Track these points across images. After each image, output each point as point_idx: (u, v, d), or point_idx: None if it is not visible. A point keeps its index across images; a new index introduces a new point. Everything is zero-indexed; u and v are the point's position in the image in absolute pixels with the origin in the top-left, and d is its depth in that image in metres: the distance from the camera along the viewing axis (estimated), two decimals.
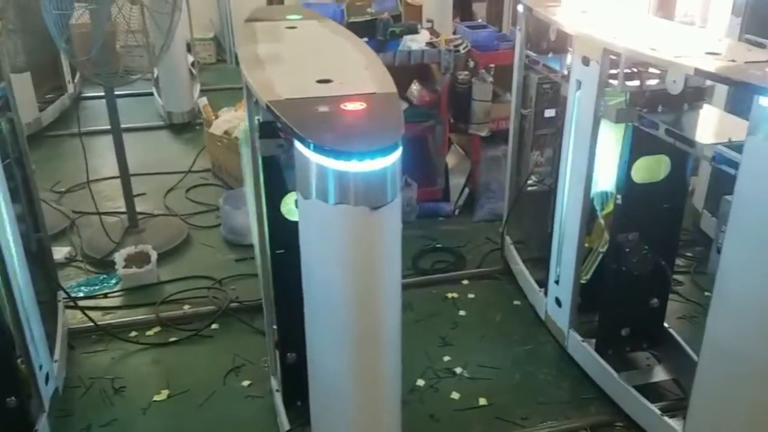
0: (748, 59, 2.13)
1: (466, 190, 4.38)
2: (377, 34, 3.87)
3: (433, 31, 4.35)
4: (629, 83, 2.46)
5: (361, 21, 3.87)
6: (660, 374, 2.87)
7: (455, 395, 2.87)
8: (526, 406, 2.81)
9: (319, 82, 1.90)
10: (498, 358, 3.09)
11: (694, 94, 2.47)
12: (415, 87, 4.27)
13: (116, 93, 3.74)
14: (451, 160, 4.54)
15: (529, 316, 3.36)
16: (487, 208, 4.26)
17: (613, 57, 2.47)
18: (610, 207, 2.74)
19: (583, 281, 2.92)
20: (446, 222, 4.31)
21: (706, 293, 3.54)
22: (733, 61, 2.13)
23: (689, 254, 3.88)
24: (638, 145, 2.53)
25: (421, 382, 2.94)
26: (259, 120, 2.15)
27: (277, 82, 1.93)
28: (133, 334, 3.27)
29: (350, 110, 1.71)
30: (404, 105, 4.27)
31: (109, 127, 3.77)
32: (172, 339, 3.22)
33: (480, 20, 5.35)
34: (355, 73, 2.04)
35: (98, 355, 3.11)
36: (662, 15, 8.03)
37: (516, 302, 3.49)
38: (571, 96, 2.70)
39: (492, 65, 4.08)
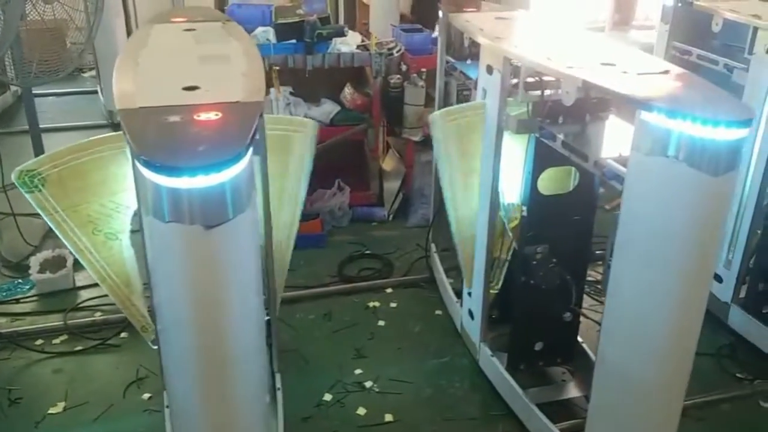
0: (642, 70, 2.07)
1: (401, 195, 4.30)
2: (305, 36, 3.77)
3: (368, 34, 4.27)
4: (531, 93, 2.39)
5: (288, 23, 3.78)
6: (572, 391, 2.82)
7: (361, 411, 2.78)
8: (433, 423, 2.73)
9: (186, 89, 1.80)
10: (411, 371, 3.01)
11: (599, 105, 2.40)
12: (348, 90, 4.19)
13: (64, 91, 3.64)
14: (388, 164, 4.47)
15: (448, 328, 3.28)
16: (421, 213, 4.18)
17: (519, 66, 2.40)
18: (517, 219, 2.67)
19: (494, 291, 2.85)
20: (380, 227, 4.23)
21: None
22: (625, 72, 2.07)
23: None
24: (543, 157, 2.47)
25: (328, 397, 2.85)
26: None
27: (141, 89, 1.83)
28: (39, 342, 3.15)
29: (202, 120, 1.62)
30: (336, 108, 4.19)
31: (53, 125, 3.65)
32: (78, 348, 3.11)
33: None
34: (229, 80, 1.95)
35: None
36: (619, 19, 8.07)
37: (438, 312, 3.41)
38: None
39: (424, 69, 4.00)
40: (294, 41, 3.82)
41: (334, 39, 3.89)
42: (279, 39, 3.83)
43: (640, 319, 1.97)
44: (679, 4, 3.37)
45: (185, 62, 2.11)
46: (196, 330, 1.60)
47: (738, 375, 3.00)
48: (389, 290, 3.59)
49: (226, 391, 1.68)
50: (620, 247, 1.97)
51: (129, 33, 5.57)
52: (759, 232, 3.00)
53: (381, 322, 3.34)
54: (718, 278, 3.20)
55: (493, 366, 2.81)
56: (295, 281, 3.63)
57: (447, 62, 3.17)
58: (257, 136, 1.73)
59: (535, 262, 2.63)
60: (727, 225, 3.10)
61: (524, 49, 2.37)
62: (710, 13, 3.17)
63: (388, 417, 2.75)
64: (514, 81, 2.42)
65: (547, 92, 2.32)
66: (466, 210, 2.77)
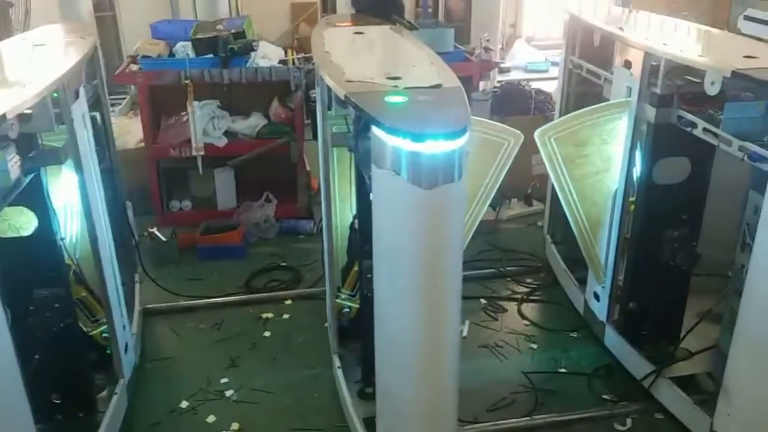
0: (415, 84, 2.04)
1: None
2: (219, 50, 3.87)
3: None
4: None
5: (203, 38, 3.90)
6: None
7: (211, 419, 2.83)
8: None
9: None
10: (277, 381, 3.05)
11: None
12: (275, 104, 4.27)
13: None
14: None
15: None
16: None
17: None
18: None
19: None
20: (306, 240, 4.28)
21: (525, 322, 3.45)
22: (395, 86, 2.06)
23: (531, 281, 3.79)
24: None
25: (185, 404, 2.91)
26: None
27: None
28: None
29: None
30: (263, 121, 4.28)
31: None
32: None
33: None
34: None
35: None
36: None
37: (326, 325, 3.43)
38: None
39: None
40: (211, 56, 3.93)
41: (252, 54, 3.97)
42: (197, 53, 3.94)
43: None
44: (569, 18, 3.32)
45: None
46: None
47: (605, 396, 2.92)
48: (288, 302, 3.64)
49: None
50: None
51: None
52: (624, 248, 2.91)
53: (267, 333, 3.39)
54: (596, 296, 3.12)
55: (340, 377, 2.82)
56: (200, 291, 3.72)
57: None
58: None
59: (369, 275, 2.62)
60: (602, 243, 3.02)
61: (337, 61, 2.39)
62: (591, 28, 3.11)
63: (235, 426, 2.79)
64: None
65: None
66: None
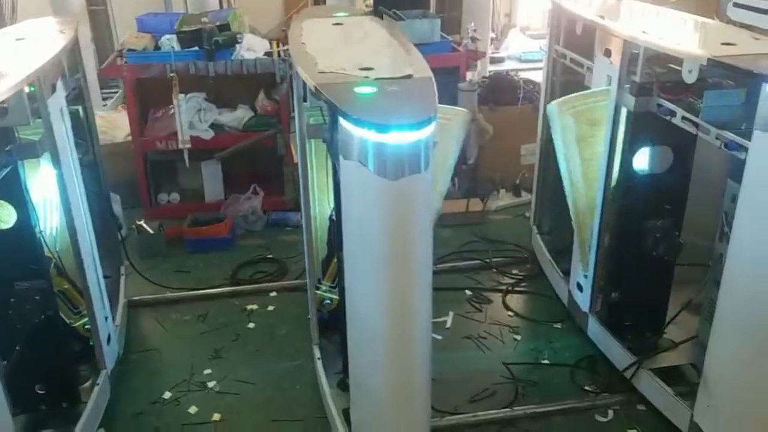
0: (386, 75, 2.03)
1: None
2: (203, 43, 3.86)
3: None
4: None
5: (187, 30, 3.89)
6: None
7: (193, 409, 2.84)
8: (258, 423, 2.77)
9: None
10: (259, 373, 3.05)
11: None
12: (261, 96, 4.27)
13: None
14: None
15: None
16: None
17: None
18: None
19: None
20: (292, 232, 4.27)
21: (510, 314, 3.45)
22: (367, 77, 2.05)
23: (517, 272, 3.79)
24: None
25: (167, 395, 2.92)
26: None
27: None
28: None
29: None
30: (249, 114, 4.27)
31: None
32: None
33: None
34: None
35: None
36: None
37: (309, 317, 3.43)
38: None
39: None
40: (196, 48, 3.92)
41: (237, 46, 3.96)
42: (182, 46, 3.94)
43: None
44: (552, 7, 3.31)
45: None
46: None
47: (587, 388, 2.92)
48: (273, 294, 3.64)
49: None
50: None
51: None
52: (607, 238, 2.90)
53: (251, 325, 3.40)
54: (580, 287, 3.12)
55: (320, 369, 2.82)
56: (185, 283, 3.73)
57: None
58: None
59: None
60: (585, 232, 3.02)
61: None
62: (573, 17, 3.10)
63: (216, 416, 2.81)
64: None
65: None
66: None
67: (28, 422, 2.64)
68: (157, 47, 4.04)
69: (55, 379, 2.65)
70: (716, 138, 2.24)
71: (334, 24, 2.83)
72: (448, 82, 4.28)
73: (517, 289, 3.65)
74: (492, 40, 7.17)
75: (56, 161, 2.42)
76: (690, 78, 2.30)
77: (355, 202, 1.85)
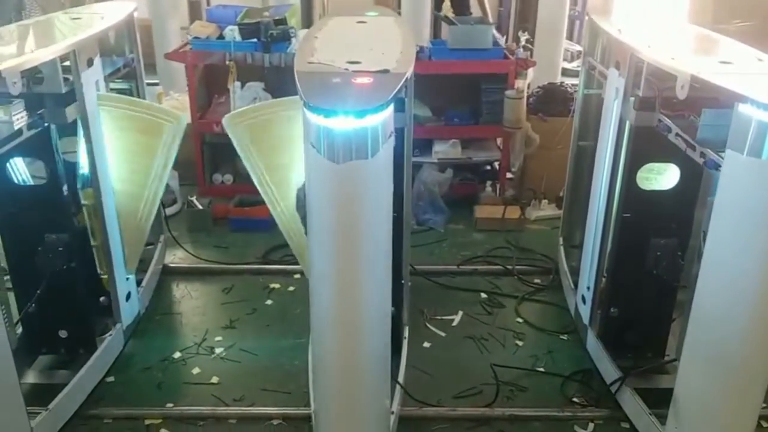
0: (381, 68, 2.15)
1: None
2: (261, 35, 4.10)
3: None
4: None
5: (247, 23, 4.14)
6: None
7: (196, 371, 3.06)
8: (249, 390, 2.94)
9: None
10: (264, 346, 3.23)
11: None
12: None
13: None
14: None
15: None
16: None
17: None
18: None
19: None
20: None
21: (519, 320, 3.47)
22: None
23: (538, 281, 3.79)
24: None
25: (177, 355, 3.15)
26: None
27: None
28: None
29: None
30: None
31: None
32: None
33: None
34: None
35: None
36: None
37: None
38: None
39: None
40: (255, 40, 4.17)
41: (293, 40, 4.18)
42: (242, 37, 4.19)
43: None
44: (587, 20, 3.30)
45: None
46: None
47: (574, 400, 2.90)
48: (297, 276, 3.82)
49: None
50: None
51: None
52: (607, 253, 2.89)
53: (269, 302, 3.59)
54: (584, 300, 3.11)
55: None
56: (221, 257, 3.98)
57: None
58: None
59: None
60: (589, 243, 3.01)
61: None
62: (597, 28, 3.10)
63: (215, 379, 3.00)
64: None
65: None
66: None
67: (50, 362, 2.94)
68: (221, 37, 4.31)
69: (75, 325, 2.94)
70: (700, 156, 2.21)
71: (357, 22, 2.98)
72: (495, 89, 4.34)
73: (533, 297, 3.66)
74: (573, 55, 7.08)
75: (86, 128, 2.70)
76: (682, 94, 2.28)
77: (312, 186, 1.98)
